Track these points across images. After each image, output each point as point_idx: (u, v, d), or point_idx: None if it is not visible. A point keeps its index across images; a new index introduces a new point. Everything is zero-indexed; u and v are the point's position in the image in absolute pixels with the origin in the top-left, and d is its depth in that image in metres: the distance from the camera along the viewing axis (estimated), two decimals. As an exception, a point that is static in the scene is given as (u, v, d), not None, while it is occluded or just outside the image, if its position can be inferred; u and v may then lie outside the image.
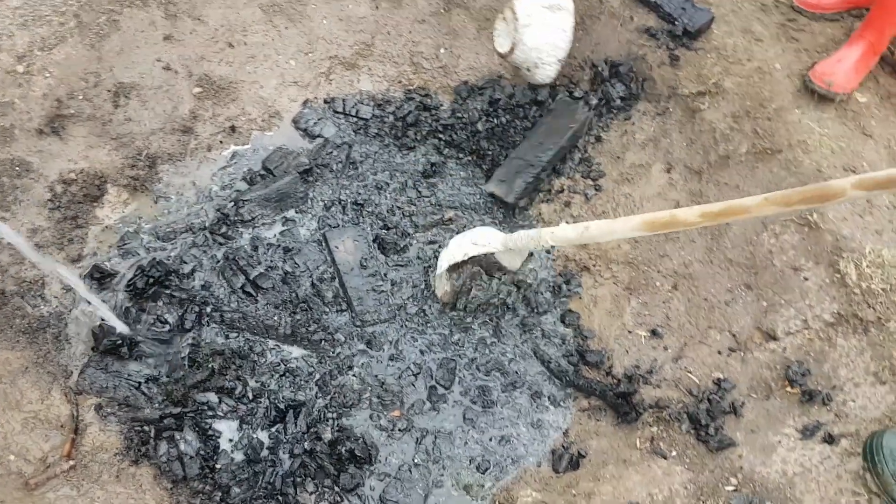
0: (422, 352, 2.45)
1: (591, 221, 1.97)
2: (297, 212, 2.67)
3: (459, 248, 2.38)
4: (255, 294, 2.44)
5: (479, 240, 2.35)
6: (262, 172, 2.70)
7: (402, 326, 2.49)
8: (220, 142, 2.78)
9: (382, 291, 2.52)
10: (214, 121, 2.80)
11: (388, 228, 2.66)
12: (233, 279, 2.46)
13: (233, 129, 2.80)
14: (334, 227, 2.63)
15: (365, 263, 2.55)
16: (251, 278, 2.46)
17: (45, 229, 2.45)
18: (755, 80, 2.74)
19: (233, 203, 2.61)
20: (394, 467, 2.22)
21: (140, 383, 2.24)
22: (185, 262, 2.49)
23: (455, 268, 2.42)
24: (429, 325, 2.49)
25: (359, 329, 2.45)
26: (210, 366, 2.29)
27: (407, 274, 2.58)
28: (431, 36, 3.08)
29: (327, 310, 2.48)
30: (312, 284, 2.51)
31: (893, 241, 2.37)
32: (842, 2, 2.95)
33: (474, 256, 2.36)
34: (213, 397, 2.25)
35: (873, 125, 2.69)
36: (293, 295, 2.47)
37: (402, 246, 2.63)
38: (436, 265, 2.50)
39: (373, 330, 2.46)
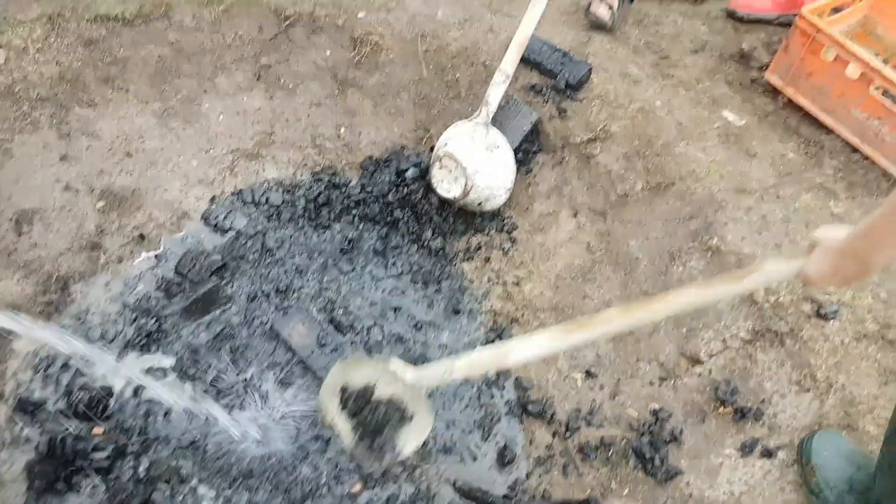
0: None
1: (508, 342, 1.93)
2: (222, 312, 2.64)
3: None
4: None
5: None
6: (178, 280, 2.67)
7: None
8: (131, 252, 2.74)
9: None
10: (122, 232, 2.76)
11: (330, 310, 2.68)
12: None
13: (141, 236, 2.77)
14: (281, 315, 2.61)
15: (323, 341, 2.55)
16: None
17: (-41, 373, 2.36)
18: (639, 119, 2.89)
19: (154, 320, 2.56)
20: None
21: (83, 518, 2.16)
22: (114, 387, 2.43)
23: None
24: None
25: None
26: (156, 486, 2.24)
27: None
28: (330, 117, 3.14)
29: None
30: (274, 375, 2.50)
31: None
32: (775, 6, 3.40)
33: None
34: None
35: (755, 145, 2.88)
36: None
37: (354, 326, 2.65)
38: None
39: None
